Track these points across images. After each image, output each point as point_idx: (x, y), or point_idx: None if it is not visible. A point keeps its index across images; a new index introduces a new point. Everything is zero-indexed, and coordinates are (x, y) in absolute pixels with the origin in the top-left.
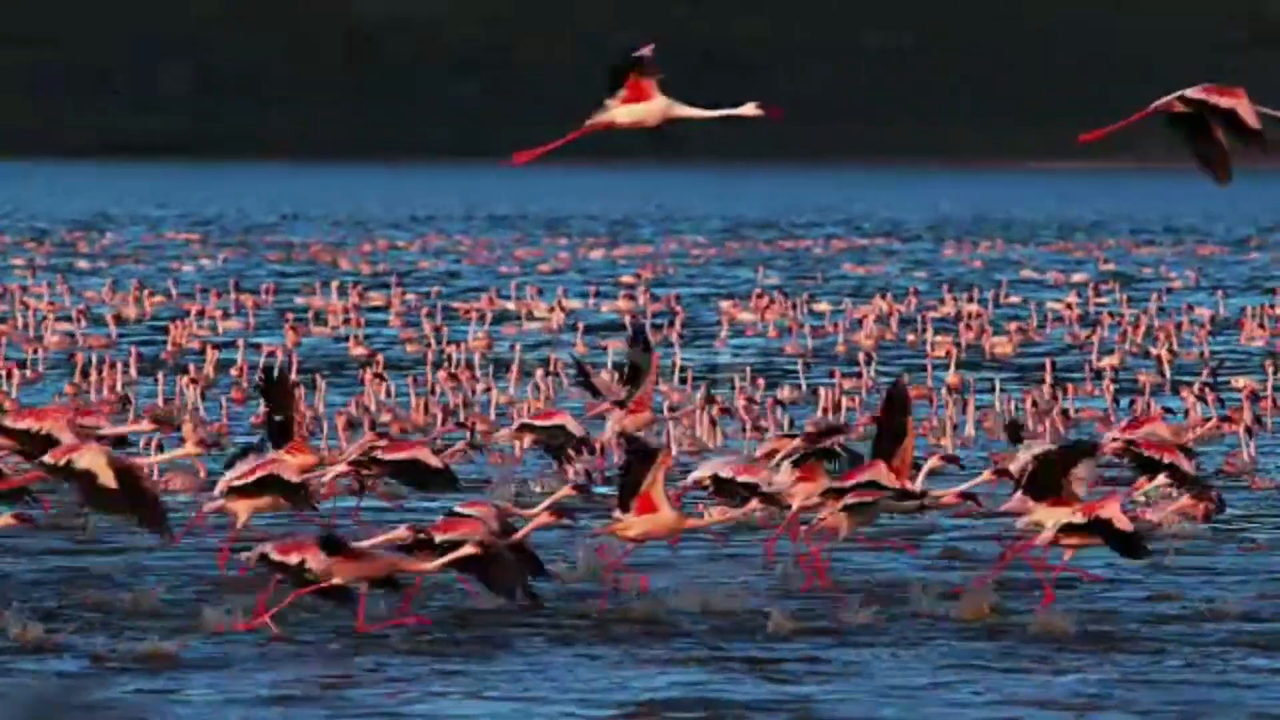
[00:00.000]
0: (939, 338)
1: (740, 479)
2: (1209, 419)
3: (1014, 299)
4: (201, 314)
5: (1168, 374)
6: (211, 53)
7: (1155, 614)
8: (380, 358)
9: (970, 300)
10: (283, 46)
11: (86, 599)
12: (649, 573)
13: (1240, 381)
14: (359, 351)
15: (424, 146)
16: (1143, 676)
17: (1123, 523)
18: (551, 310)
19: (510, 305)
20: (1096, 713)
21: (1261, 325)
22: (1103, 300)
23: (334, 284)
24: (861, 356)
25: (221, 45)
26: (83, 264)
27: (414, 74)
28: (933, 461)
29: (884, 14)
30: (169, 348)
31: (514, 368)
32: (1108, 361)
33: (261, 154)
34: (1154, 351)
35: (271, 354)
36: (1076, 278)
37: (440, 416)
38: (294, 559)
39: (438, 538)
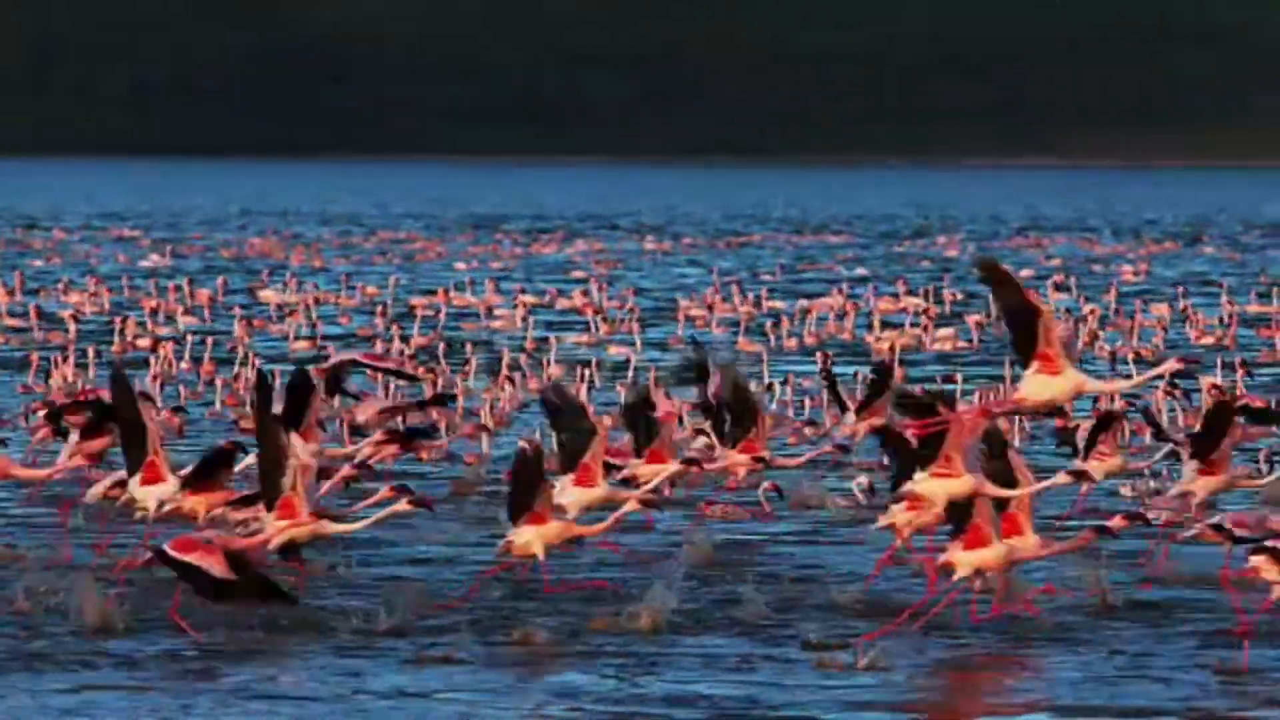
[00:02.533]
0: (885, 333)
1: None
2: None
3: (951, 295)
4: (156, 310)
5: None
6: (151, 54)
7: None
8: (332, 351)
9: (925, 296)
10: (225, 48)
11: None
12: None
13: (1205, 380)
14: (300, 345)
15: (376, 144)
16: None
17: None
18: (517, 306)
19: (471, 300)
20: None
21: (1222, 321)
22: (1060, 295)
23: (288, 279)
24: (819, 355)
25: (162, 47)
26: (36, 262)
27: (367, 73)
28: None
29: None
30: (116, 344)
31: (470, 363)
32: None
33: (209, 152)
34: (1105, 348)
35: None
36: (1024, 273)
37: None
38: None
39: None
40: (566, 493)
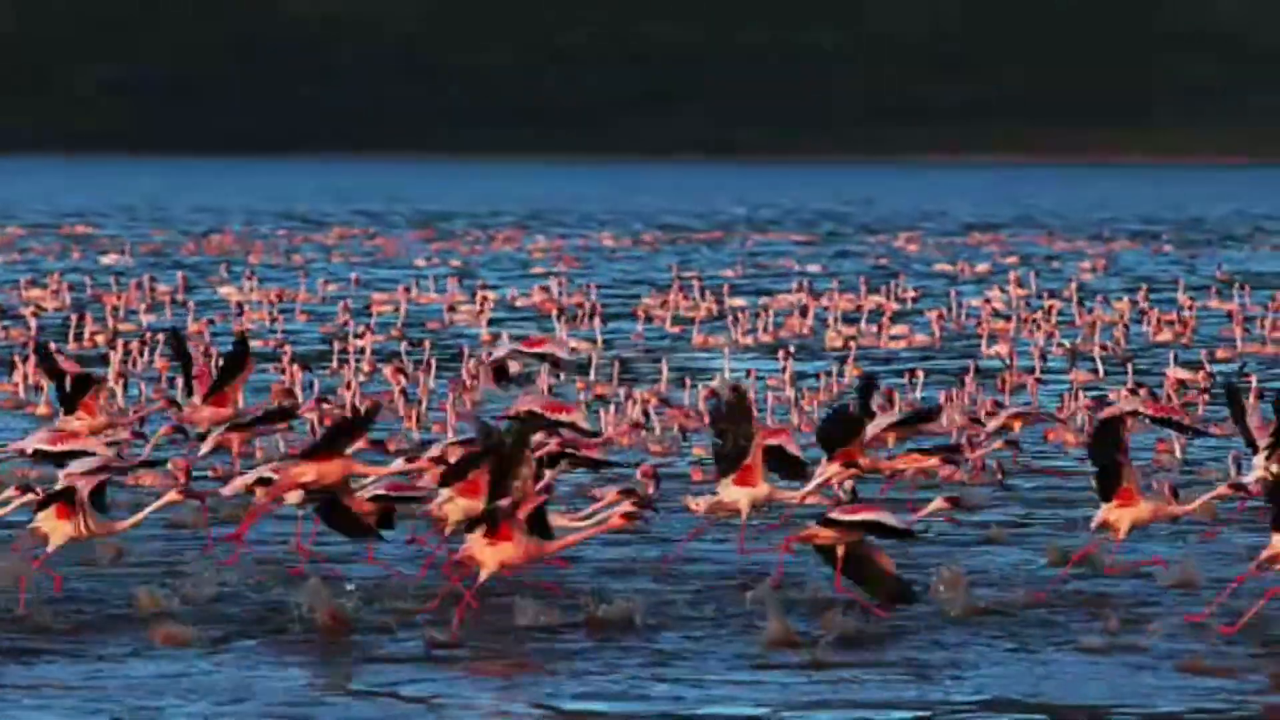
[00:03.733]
0: (843, 330)
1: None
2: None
3: (910, 293)
4: (117, 308)
5: (1101, 370)
6: (134, 51)
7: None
8: (289, 349)
9: (888, 295)
10: (205, 45)
11: None
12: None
13: (1170, 374)
14: (255, 343)
15: (345, 142)
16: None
17: None
18: (482, 302)
19: (434, 297)
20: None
21: (1182, 321)
22: (1022, 292)
23: (246, 276)
24: (781, 352)
25: (142, 44)
26: None
27: (348, 71)
28: None
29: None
30: (71, 343)
31: (426, 360)
32: (997, 349)
33: (180, 150)
34: (1064, 345)
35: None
36: (980, 268)
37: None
38: None
39: None
40: (729, 492)
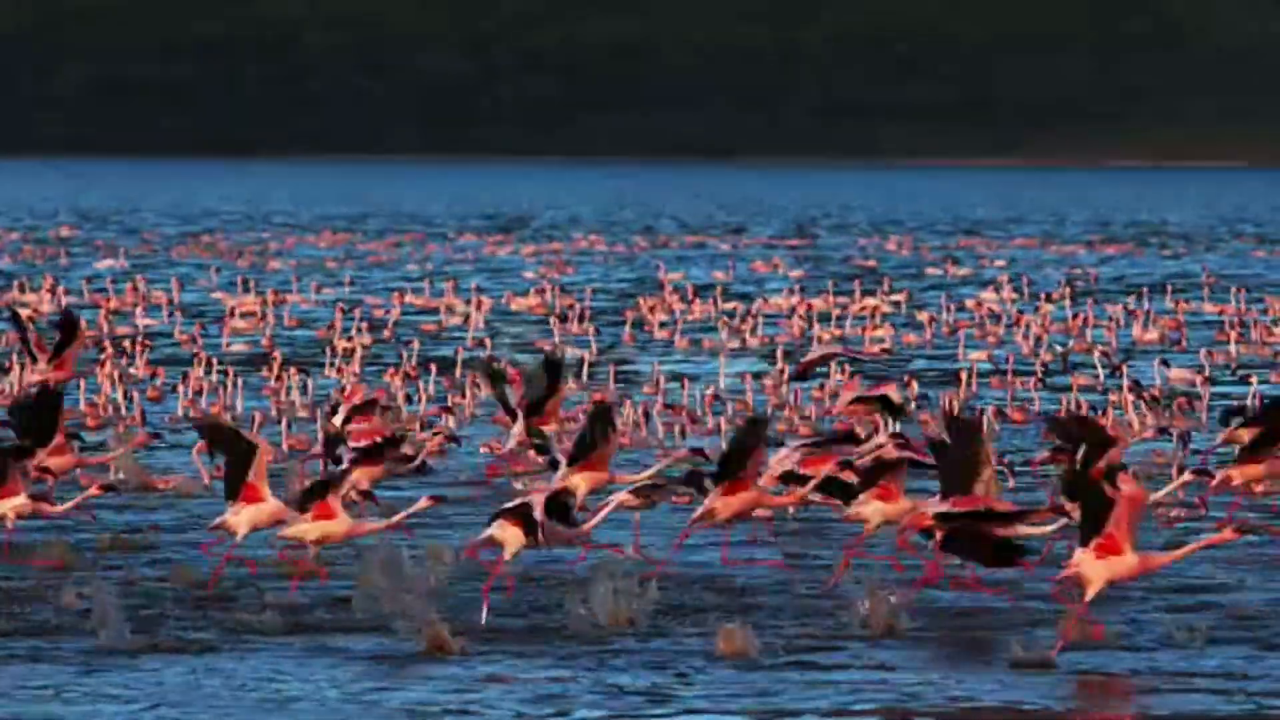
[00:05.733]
0: (833, 331)
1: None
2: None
3: (900, 295)
4: (111, 312)
5: (1100, 374)
6: (108, 53)
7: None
8: (278, 354)
9: (882, 297)
10: (180, 46)
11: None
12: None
13: (1173, 372)
14: (238, 348)
15: (328, 143)
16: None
17: None
18: (477, 305)
19: (428, 300)
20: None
21: (1177, 324)
22: (1014, 294)
23: (241, 280)
24: (779, 353)
25: (118, 46)
26: None
27: (317, 72)
28: None
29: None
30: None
31: (413, 362)
32: (975, 355)
33: (162, 151)
34: (1057, 349)
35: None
36: (962, 271)
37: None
38: None
39: None
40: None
